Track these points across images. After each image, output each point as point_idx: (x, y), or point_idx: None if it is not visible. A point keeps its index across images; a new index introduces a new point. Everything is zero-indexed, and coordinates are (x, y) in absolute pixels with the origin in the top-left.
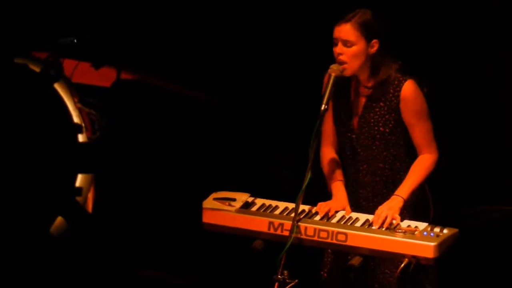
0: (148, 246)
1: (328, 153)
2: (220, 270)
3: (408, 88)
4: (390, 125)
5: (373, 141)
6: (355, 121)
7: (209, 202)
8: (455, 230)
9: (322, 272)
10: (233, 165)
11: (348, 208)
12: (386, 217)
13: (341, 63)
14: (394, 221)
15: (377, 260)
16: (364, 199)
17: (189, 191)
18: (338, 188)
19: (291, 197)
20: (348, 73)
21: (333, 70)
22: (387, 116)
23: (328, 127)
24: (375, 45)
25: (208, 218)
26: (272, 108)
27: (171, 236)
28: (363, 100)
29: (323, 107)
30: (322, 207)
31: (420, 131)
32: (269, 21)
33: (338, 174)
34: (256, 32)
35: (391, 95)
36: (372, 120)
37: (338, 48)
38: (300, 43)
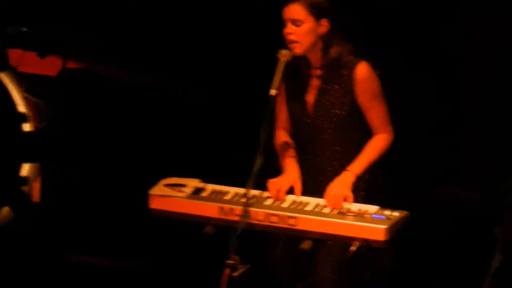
0: (98, 234)
1: (281, 136)
2: (171, 256)
3: (362, 70)
4: (346, 108)
5: (329, 125)
6: (310, 105)
7: (158, 189)
8: (405, 213)
9: (274, 257)
10: (186, 153)
11: (298, 184)
12: (339, 196)
13: (292, 42)
14: (346, 200)
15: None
16: (325, 185)
17: (140, 179)
18: (289, 164)
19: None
20: (298, 51)
21: (283, 55)
22: (342, 99)
23: (281, 112)
24: (324, 25)
25: (157, 204)
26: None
27: (126, 223)
28: (317, 84)
29: (272, 92)
30: (272, 185)
31: (375, 113)
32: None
33: (290, 151)
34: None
35: (345, 77)
36: (327, 103)
37: (288, 28)
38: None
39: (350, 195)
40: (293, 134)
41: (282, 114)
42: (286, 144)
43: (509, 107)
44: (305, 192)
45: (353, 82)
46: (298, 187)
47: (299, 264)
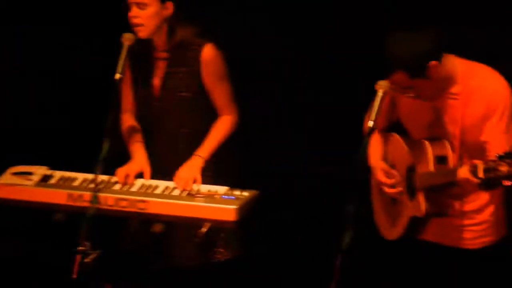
0: None
1: (127, 119)
2: (19, 245)
3: (208, 51)
4: (193, 90)
5: (176, 107)
6: (157, 88)
7: (5, 177)
8: (255, 192)
9: (126, 241)
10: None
11: (147, 169)
12: (188, 178)
13: (136, 26)
14: (195, 183)
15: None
16: (173, 168)
17: None
18: (137, 150)
19: None
20: (143, 34)
21: (126, 39)
22: (189, 81)
23: (127, 96)
24: (169, 7)
25: (3, 193)
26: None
27: None
28: (163, 66)
29: (117, 76)
30: (120, 171)
31: (221, 93)
32: None
33: (137, 136)
34: None
35: (192, 59)
36: (174, 86)
37: (132, 12)
38: None
39: (199, 177)
40: (140, 118)
41: (128, 98)
42: (132, 128)
43: None
44: (154, 175)
45: (199, 64)
46: (147, 171)
47: (152, 247)
